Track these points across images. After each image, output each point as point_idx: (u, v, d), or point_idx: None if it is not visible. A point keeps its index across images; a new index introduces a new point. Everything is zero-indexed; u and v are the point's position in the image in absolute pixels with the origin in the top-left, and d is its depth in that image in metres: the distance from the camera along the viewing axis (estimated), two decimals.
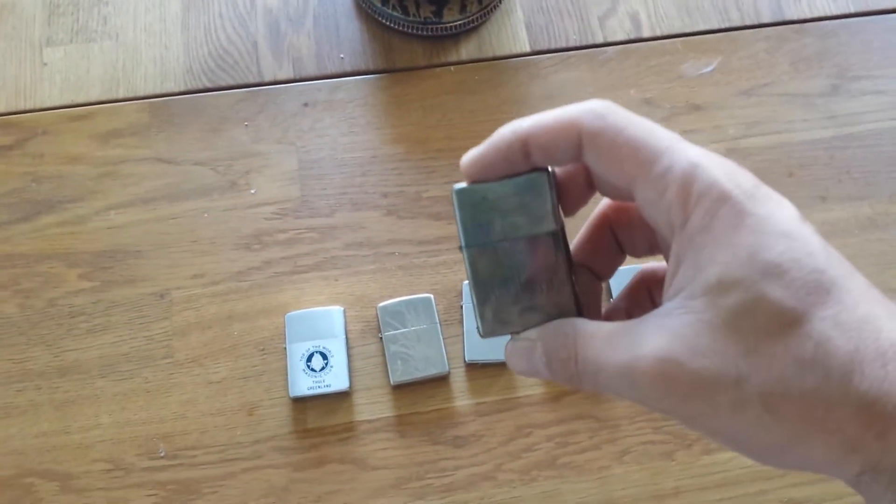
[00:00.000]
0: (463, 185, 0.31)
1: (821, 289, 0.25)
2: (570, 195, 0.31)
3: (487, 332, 0.31)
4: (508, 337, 0.32)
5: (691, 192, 0.26)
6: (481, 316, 0.31)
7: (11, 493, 0.53)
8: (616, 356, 0.27)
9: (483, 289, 0.31)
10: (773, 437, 0.25)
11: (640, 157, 0.27)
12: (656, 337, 0.26)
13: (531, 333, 0.30)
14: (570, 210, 0.32)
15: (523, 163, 0.30)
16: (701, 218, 0.26)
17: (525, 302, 0.31)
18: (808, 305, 0.25)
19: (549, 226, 0.30)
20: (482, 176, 0.30)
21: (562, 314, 0.30)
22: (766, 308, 0.25)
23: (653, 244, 0.33)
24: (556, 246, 0.30)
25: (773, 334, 0.25)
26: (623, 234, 0.33)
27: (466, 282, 0.57)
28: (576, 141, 0.28)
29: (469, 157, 0.30)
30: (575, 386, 0.29)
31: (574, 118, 0.28)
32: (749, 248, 0.25)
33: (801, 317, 0.24)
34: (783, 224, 0.25)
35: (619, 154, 0.27)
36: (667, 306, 0.27)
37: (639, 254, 0.34)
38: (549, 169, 0.30)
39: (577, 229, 0.34)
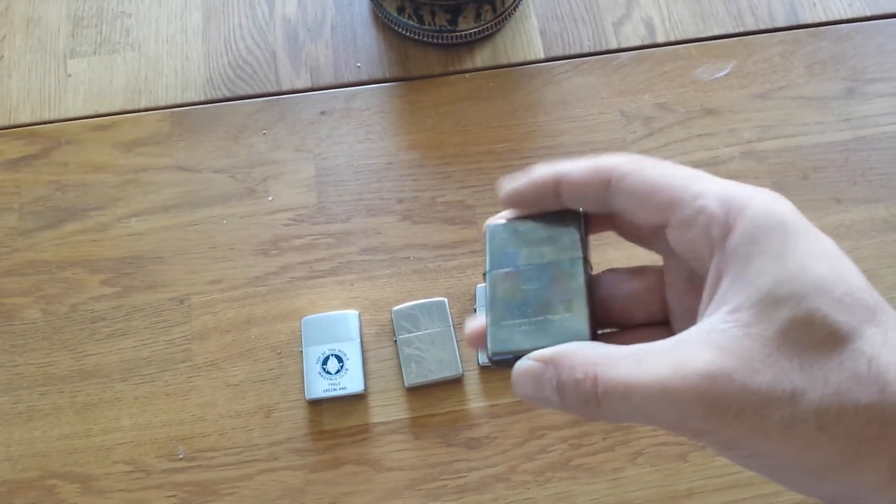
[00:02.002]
0: (497, 222, 0.32)
1: (867, 307, 0.25)
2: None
3: (496, 350, 0.30)
4: None
5: (733, 205, 0.26)
6: (491, 336, 0.30)
7: (34, 495, 0.54)
8: (652, 374, 0.25)
9: (498, 309, 0.31)
10: (822, 456, 0.24)
11: (676, 185, 0.28)
12: (703, 352, 0.25)
13: (542, 353, 0.28)
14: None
15: (553, 201, 0.31)
16: (745, 229, 0.26)
17: (539, 324, 0.30)
18: (858, 322, 0.25)
19: (576, 253, 0.31)
20: (516, 204, 0.32)
21: (575, 340, 0.29)
22: (820, 323, 0.24)
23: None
24: (580, 272, 0.30)
25: (828, 349, 0.24)
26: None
27: (480, 285, 0.57)
28: (606, 182, 0.29)
29: (508, 185, 0.32)
30: (589, 415, 0.27)
31: (608, 161, 0.30)
32: (800, 262, 0.25)
33: (852, 333, 0.24)
34: (826, 244, 0.26)
35: (654, 186, 0.28)
36: (708, 321, 0.26)
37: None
38: (581, 209, 0.32)
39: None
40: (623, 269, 0.33)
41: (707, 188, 0.27)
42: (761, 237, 0.25)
